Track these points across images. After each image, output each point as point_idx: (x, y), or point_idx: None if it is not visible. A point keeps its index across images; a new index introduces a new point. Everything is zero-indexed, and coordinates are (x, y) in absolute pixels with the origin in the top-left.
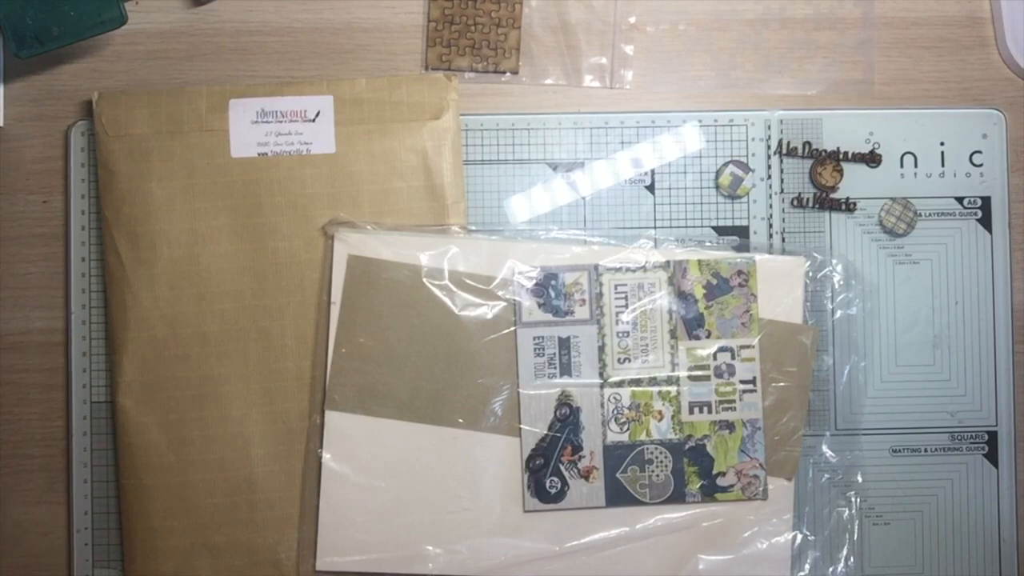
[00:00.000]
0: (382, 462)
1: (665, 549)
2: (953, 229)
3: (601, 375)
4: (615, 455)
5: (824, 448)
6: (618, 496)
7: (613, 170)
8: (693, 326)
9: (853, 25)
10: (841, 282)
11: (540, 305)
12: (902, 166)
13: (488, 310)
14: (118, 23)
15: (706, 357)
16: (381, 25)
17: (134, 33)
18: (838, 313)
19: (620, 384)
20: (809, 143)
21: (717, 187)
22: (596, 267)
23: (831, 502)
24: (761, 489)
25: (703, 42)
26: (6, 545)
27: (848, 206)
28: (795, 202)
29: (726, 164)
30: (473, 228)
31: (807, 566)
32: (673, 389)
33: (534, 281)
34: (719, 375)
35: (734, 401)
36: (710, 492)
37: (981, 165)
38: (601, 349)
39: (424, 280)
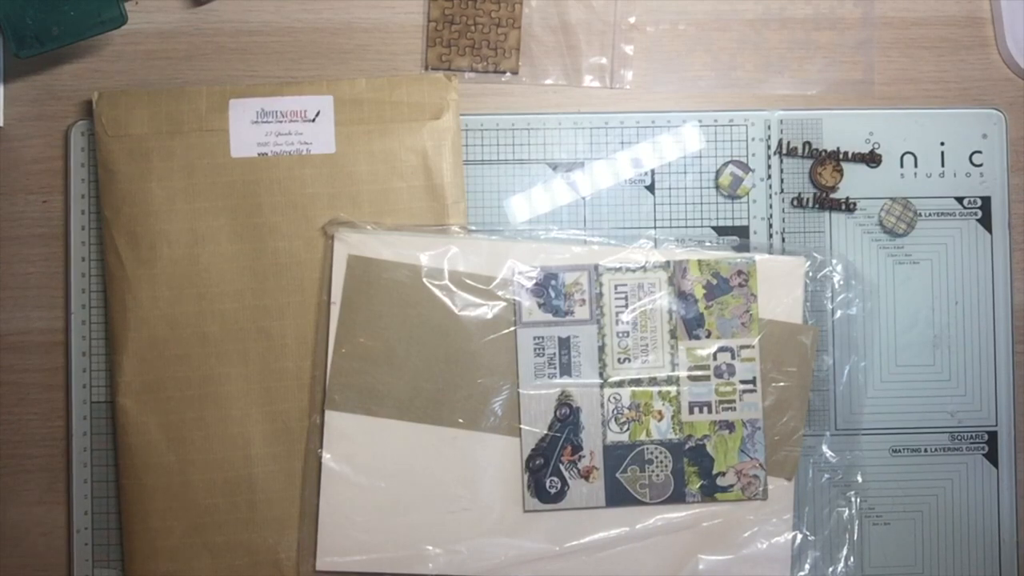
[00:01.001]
0: (382, 462)
1: (665, 549)
2: (953, 229)
3: (601, 375)
4: (615, 455)
5: (824, 448)
6: (618, 496)
7: (613, 170)
8: (693, 326)
9: (853, 25)
10: (841, 282)
11: (540, 305)
12: (902, 166)
13: (488, 310)
14: (118, 23)
15: (706, 357)
16: (381, 25)
17: (134, 33)
18: (838, 313)
19: (620, 384)
20: (809, 143)
21: (717, 187)
22: (596, 267)
23: (831, 502)
24: (761, 489)
25: (703, 42)
26: (6, 545)
27: (848, 206)
28: (795, 202)
29: (726, 164)
30: (473, 228)
31: (807, 566)
32: (673, 389)
33: (534, 281)
34: (719, 375)
35: (734, 401)
36: (710, 492)
37: (981, 165)
38: (601, 349)
39: (424, 280)
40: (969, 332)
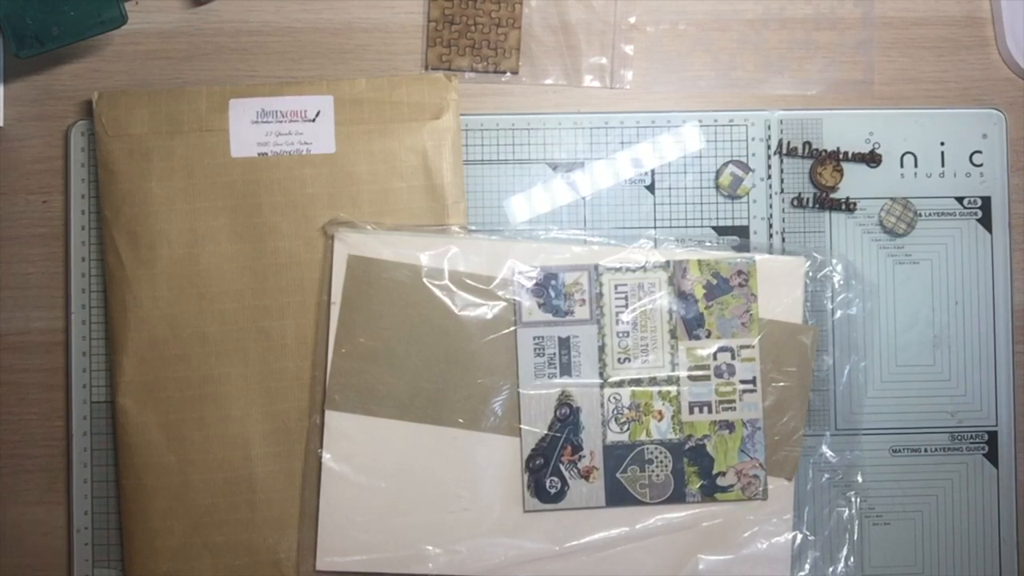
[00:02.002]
0: (382, 462)
1: (665, 549)
2: (953, 229)
3: (601, 375)
4: (615, 455)
5: (824, 448)
6: (618, 496)
7: (613, 170)
8: (693, 326)
9: (853, 25)
10: (841, 282)
11: (540, 305)
12: (902, 166)
13: (488, 310)
14: (118, 23)
15: (706, 357)
16: (381, 25)
17: (134, 33)
18: (838, 313)
19: (620, 384)
20: (809, 143)
21: (717, 187)
22: (596, 267)
23: (831, 502)
24: (761, 489)
25: (703, 42)
26: (6, 545)
27: (848, 206)
28: (795, 202)
29: (726, 164)
30: (473, 228)
31: (807, 566)
32: (673, 389)
33: (534, 281)
34: (719, 375)
35: (734, 401)
36: (710, 492)
37: (981, 165)
38: (601, 349)
39: (424, 280)
40: (969, 332)
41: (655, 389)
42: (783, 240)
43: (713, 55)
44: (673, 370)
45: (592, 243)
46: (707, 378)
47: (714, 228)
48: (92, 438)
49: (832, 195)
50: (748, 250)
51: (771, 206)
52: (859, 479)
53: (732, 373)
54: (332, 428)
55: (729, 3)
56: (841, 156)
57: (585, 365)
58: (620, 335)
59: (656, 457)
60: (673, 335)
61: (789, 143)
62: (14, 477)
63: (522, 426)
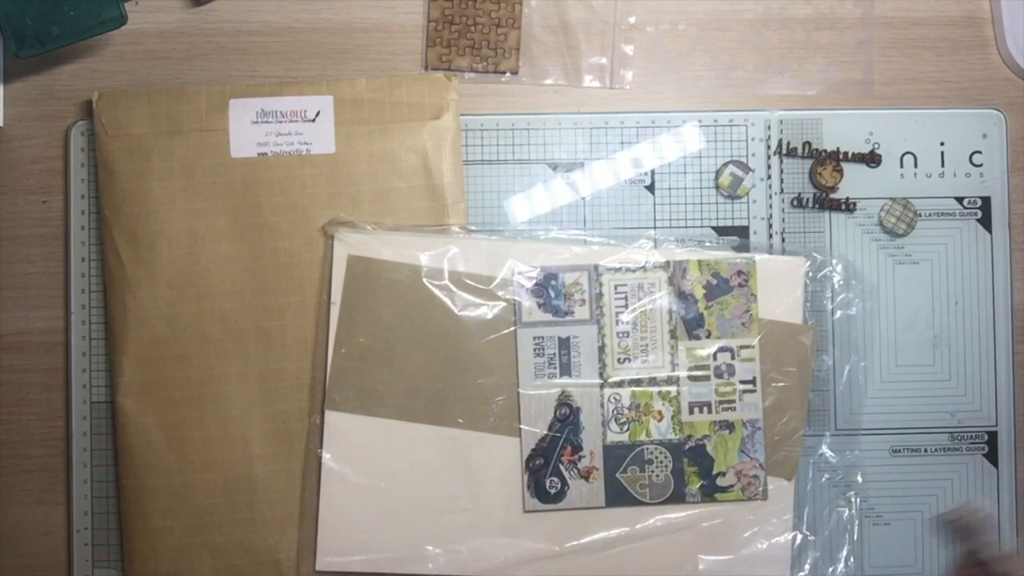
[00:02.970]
0: (382, 462)
1: (665, 549)
2: (953, 229)
3: (601, 375)
4: (615, 455)
5: (824, 448)
6: (618, 496)
7: (613, 170)
8: (693, 326)
9: (853, 25)
10: (841, 282)
11: (540, 305)
12: (902, 166)
13: (488, 310)
14: (118, 23)
15: (706, 357)
16: (381, 25)
17: (134, 33)
18: (838, 313)
19: (620, 384)
20: (809, 143)
21: (717, 187)
22: (596, 267)
23: (831, 502)
24: (761, 489)
25: (703, 42)
26: (6, 545)
27: (848, 206)
28: (795, 202)
29: (726, 164)
30: (473, 228)
31: (807, 566)
32: (673, 389)
33: (534, 281)
34: (719, 375)
35: (734, 401)
36: (710, 492)
37: (981, 165)
38: (601, 349)
39: (424, 280)
40: (969, 332)
41: (655, 389)
42: (783, 240)
43: (713, 55)
44: (673, 370)
45: (592, 243)
46: (707, 378)
47: (714, 228)
48: (92, 438)
49: (832, 195)
50: (748, 250)
51: (771, 206)
52: (859, 479)
53: (732, 373)
54: (332, 428)
55: (729, 3)
56: (841, 156)
57: (585, 365)
58: (620, 335)
59: (656, 457)
60: (673, 335)
61: (789, 143)
62: (14, 477)
63: (522, 426)
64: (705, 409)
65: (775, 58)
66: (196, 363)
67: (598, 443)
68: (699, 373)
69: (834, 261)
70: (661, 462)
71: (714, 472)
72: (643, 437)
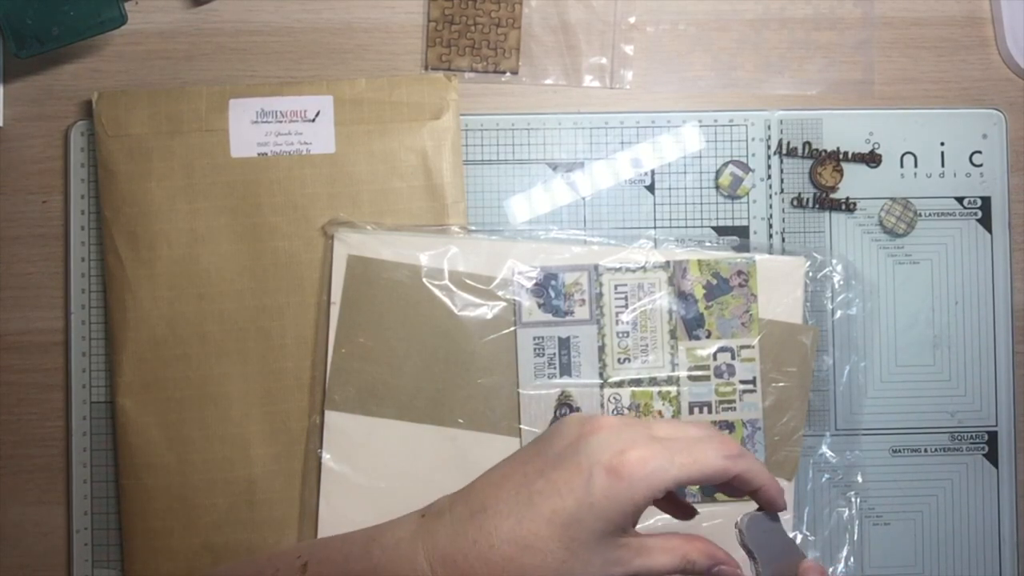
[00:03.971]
0: (382, 462)
1: None
2: (953, 229)
3: (601, 375)
4: None
5: (824, 448)
6: None
7: (613, 170)
8: (693, 326)
9: (853, 25)
10: (841, 282)
11: (540, 305)
12: (902, 166)
13: (488, 310)
14: (118, 23)
15: (706, 357)
16: (381, 25)
17: (134, 33)
18: (838, 313)
19: (620, 384)
20: (809, 143)
21: (717, 187)
22: (596, 267)
23: (831, 502)
24: None
25: (703, 42)
26: (6, 545)
27: (848, 206)
28: (795, 202)
29: (726, 164)
30: (473, 228)
31: None
32: (673, 389)
33: (534, 281)
34: (719, 375)
35: (734, 401)
36: (710, 492)
37: (981, 165)
38: (601, 349)
39: (424, 280)
40: (969, 332)
41: (655, 389)
42: (783, 240)
43: (713, 55)
44: (673, 370)
45: (592, 243)
46: (707, 378)
47: (714, 228)
48: (92, 438)
49: (832, 195)
50: (748, 250)
51: (771, 206)
52: (859, 479)
53: (732, 373)
54: (332, 428)
55: (729, 3)
56: (841, 156)
57: (585, 365)
58: (620, 335)
59: None
60: (673, 335)
61: (789, 143)
62: (14, 477)
63: (522, 426)
64: (705, 409)
65: (775, 58)
66: (196, 363)
67: None
68: (699, 373)
69: (834, 261)
70: None
71: None
72: None
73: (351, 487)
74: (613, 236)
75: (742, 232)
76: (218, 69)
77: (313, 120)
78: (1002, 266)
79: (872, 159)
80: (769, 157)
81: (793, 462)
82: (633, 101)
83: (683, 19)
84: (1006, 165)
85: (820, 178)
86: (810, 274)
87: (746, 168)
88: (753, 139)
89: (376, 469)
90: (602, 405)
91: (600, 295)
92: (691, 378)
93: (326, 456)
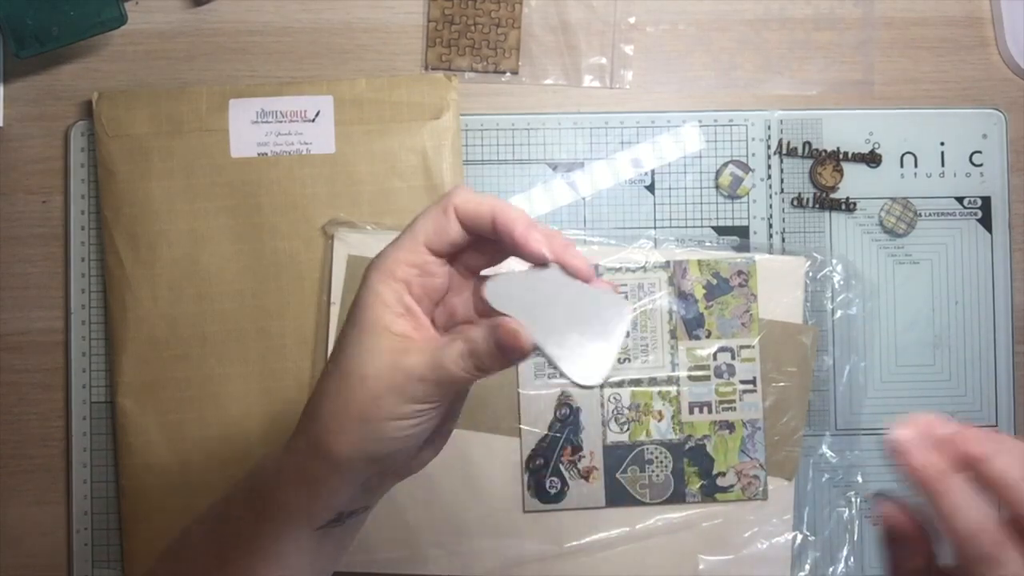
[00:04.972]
0: None
1: (665, 549)
2: (953, 229)
3: None
4: (615, 455)
5: (824, 448)
6: (618, 496)
7: (613, 170)
8: (693, 326)
9: (853, 25)
10: (841, 282)
11: None
12: (902, 166)
13: None
14: (118, 23)
15: (706, 357)
16: (381, 25)
17: (134, 33)
18: (838, 313)
19: (620, 384)
20: (809, 143)
21: (717, 187)
22: (596, 267)
23: (831, 502)
24: (761, 489)
25: (703, 42)
26: (6, 545)
27: (848, 206)
28: (795, 202)
29: (726, 164)
30: None
31: (807, 566)
32: (673, 389)
33: None
34: (719, 375)
35: (734, 401)
36: (710, 492)
37: (981, 165)
38: None
39: None
40: (969, 332)
41: (655, 389)
42: (783, 240)
43: (713, 55)
44: (673, 370)
45: (592, 243)
46: (707, 378)
47: (714, 228)
48: (92, 438)
49: (832, 195)
50: (748, 250)
51: (771, 206)
52: (859, 479)
53: (732, 373)
54: None
55: (729, 3)
56: (841, 156)
57: None
58: None
59: (656, 457)
60: (673, 335)
61: (789, 143)
62: (14, 477)
63: (522, 426)
64: (705, 409)
65: (775, 58)
66: (196, 363)
67: (598, 443)
68: (699, 373)
69: (834, 261)
70: (661, 462)
71: (714, 472)
72: (643, 437)
73: None
74: (613, 236)
75: (742, 232)
76: (218, 69)
77: (313, 120)
78: (1002, 266)
79: (872, 159)
80: (769, 157)
81: (793, 462)
82: (633, 101)
83: (683, 19)
84: (1006, 165)
85: (820, 178)
86: (810, 274)
87: (746, 168)
88: (753, 139)
89: None
90: (602, 405)
91: None
92: (691, 378)
93: None
